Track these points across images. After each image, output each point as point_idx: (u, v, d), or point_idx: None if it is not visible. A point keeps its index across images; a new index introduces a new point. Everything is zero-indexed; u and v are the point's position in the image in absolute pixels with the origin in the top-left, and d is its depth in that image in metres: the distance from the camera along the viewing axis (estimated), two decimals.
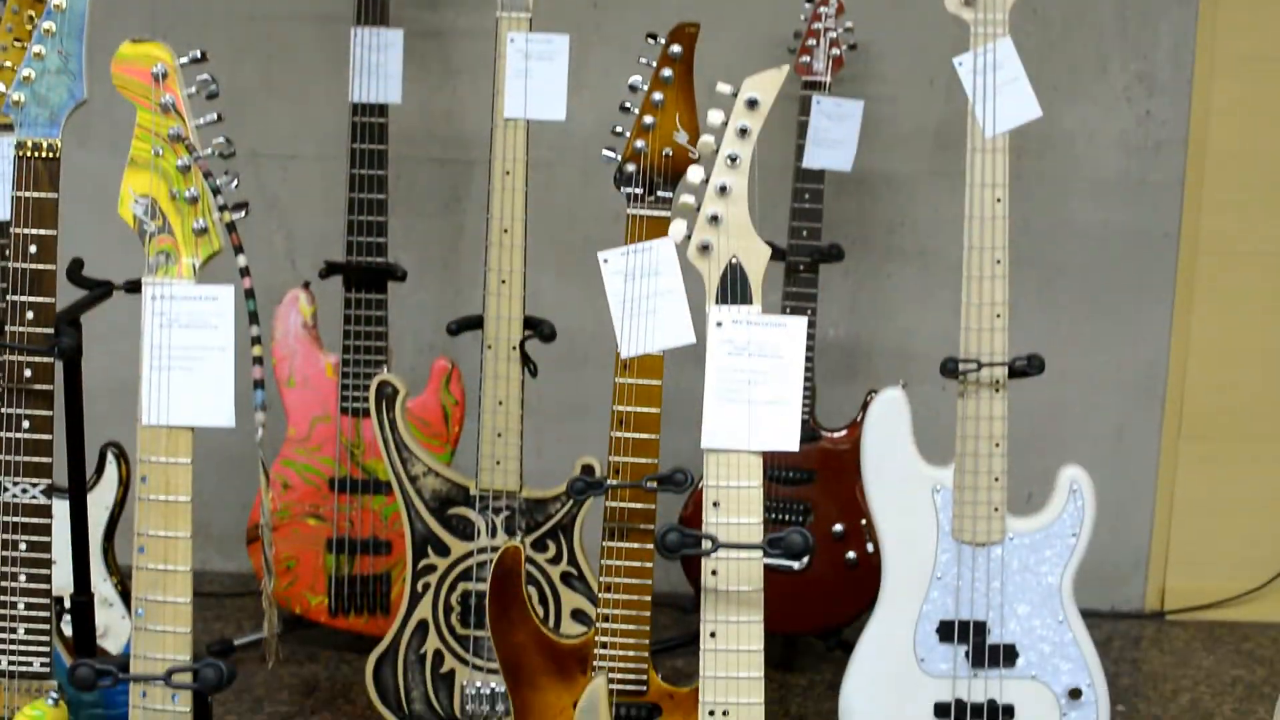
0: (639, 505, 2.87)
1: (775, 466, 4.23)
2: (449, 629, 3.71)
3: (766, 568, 3.84)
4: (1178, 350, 4.70)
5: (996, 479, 3.52)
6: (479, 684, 3.70)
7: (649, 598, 2.88)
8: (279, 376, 4.23)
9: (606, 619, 2.89)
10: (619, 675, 2.88)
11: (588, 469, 3.63)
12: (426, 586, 3.71)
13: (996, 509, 3.52)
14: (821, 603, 4.28)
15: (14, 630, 2.77)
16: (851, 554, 4.23)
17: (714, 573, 2.29)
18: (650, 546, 2.87)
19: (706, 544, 2.25)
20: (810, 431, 4.22)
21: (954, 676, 3.55)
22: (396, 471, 3.68)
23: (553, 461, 4.02)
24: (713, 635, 2.30)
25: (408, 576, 3.71)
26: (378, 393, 3.68)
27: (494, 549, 3.68)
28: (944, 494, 3.54)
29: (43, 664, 2.78)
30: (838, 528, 4.22)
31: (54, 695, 2.35)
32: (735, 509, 2.26)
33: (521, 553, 2.91)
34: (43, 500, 2.74)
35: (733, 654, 2.29)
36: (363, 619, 4.25)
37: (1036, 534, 3.55)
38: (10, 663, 2.77)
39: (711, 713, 2.31)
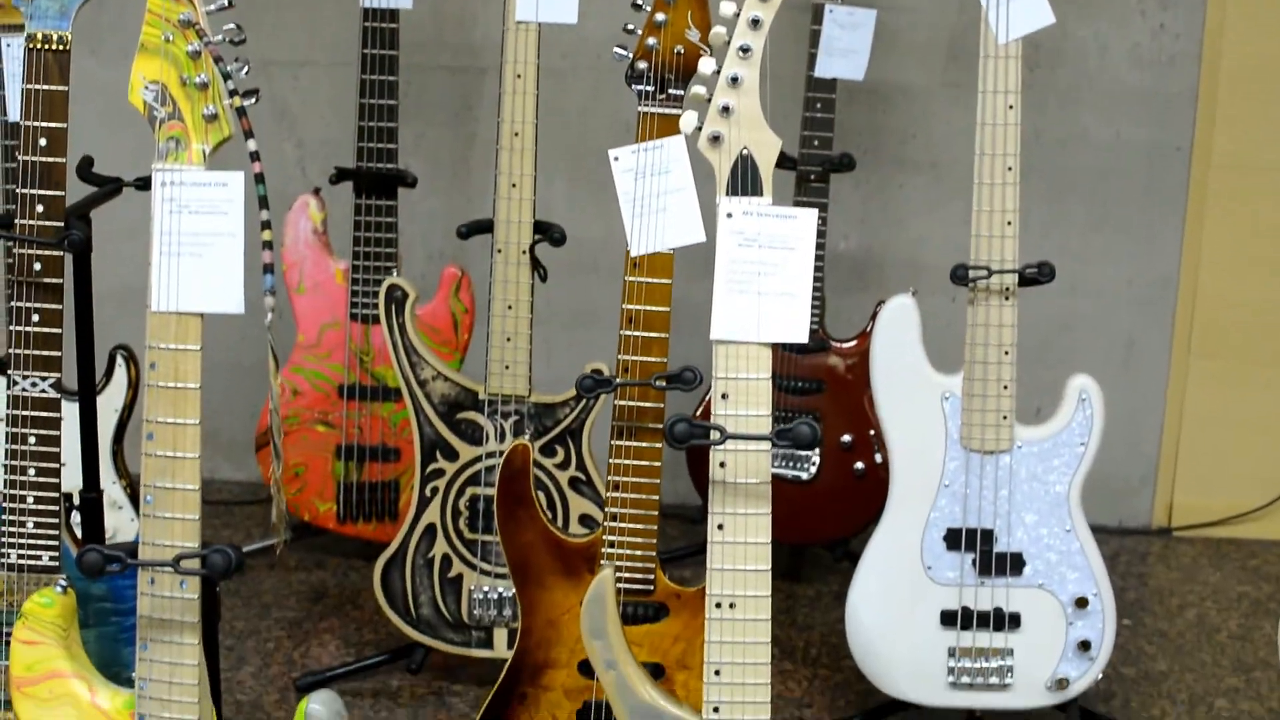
0: (648, 404, 2.87)
1: (784, 377, 4.22)
2: (457, 533, 3.71)
3: (774, 478, 3.85)
4: (1189, 265, 4.69)
5: (1005, 387, 3.51)
6: (486, 588, 3.71)
7: (657, 497, 2.89)
8: (289, 283, 4.22)
9: (614, 518, 2.89)
10: (626, 574, 2.88)
11: (596, 373, 3.63)
12: (435, 491, 3.71)
13: (1005, 417, 3.52)
14: (829, 513, 4.28)
15: (23, 524, 2.77)
16: (859, 464, 4.23)
17: (722, 465, 2.29)
18: (659, 445, 2.87)
19: (715, 434, 2.25)
20: (819, 342, 4.22)
21: (961, 584, 3.56)
22: (405, 375, 3.68)
23: (562, 369, 4.01)
24: (720, 528, 2.30)
25: (416, 481, 3.71)
26: (387, 296, 3.68)
27: (502, 454, 3.68)
28: (953, 401, 3.54)
29: (51, 558, 2.78)
30: (846, 438, 4.22)
31: (62, 583, 2.36)
32: (744, 401, 2.26)
33: (530, 451, 2.91)
34: (52, 394, 2.75)
35: (740, 546, 2.29)
36: (371, 526, 4.26)
37: (1045, 443, 3.55)
38: (19, 556, 2.78)
39: (719, 605, 2.32)
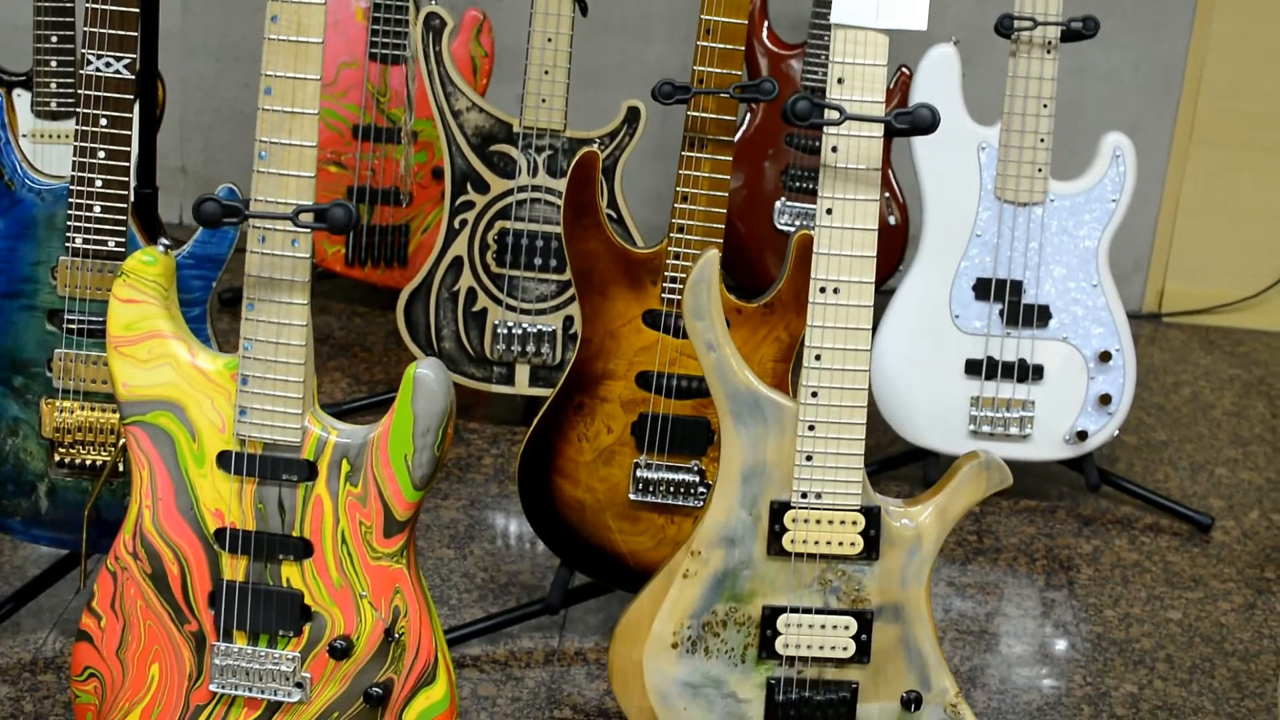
0: (720, 116, 2.86)
1: (803, 135, 4.22)
2: (484, 267, 3.71)
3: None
4: (1196, 51, 4.71)
5: (1042, 140, 3.53)
6: (511, 324, 3.71)
7: (724, 210, 2.88)
8: None
9: (681, 229, 2.89)
10: None
11: (633, 110, 3.63)
12: (464, 223, 3.70)
13: (1040, 169, 3.55)
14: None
15: (90, 208, 2.74)
16: None
17: (834, 149, 2.29)
18: (729, 158, 2.87)
19: (833, 114, 2.24)
20: None
21: (987, 334, 3.59)
22: (440, 105, 3.65)
23: (592, 116, 3.97)
24: (829, 212, 2.30)
25: (445, 212, 3.69)
26: (425, 24, 3.63)
27: (534, 188, 3.67)
28: (989, 152, 3.55)
29: (118, 243, 2.76)
30: None
31: (165, 242, 2.33)
32: (860, 87, 2.26)
33: (599, 158, 2.89)
34: (126, 75, 2.71)
35: (848, 231, 2.30)
36: (379, 270, 4.24)
37: (1077, 197, 3.58)
38: (84, 240, 2.76)
39: (823, 289, 2.32)
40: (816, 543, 2.37)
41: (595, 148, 2.91)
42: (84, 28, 2.69)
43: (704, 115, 2.86)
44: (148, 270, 2.26)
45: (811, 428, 2.34)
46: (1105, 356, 3.60)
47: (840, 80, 2.26)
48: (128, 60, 2.70)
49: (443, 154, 3.67)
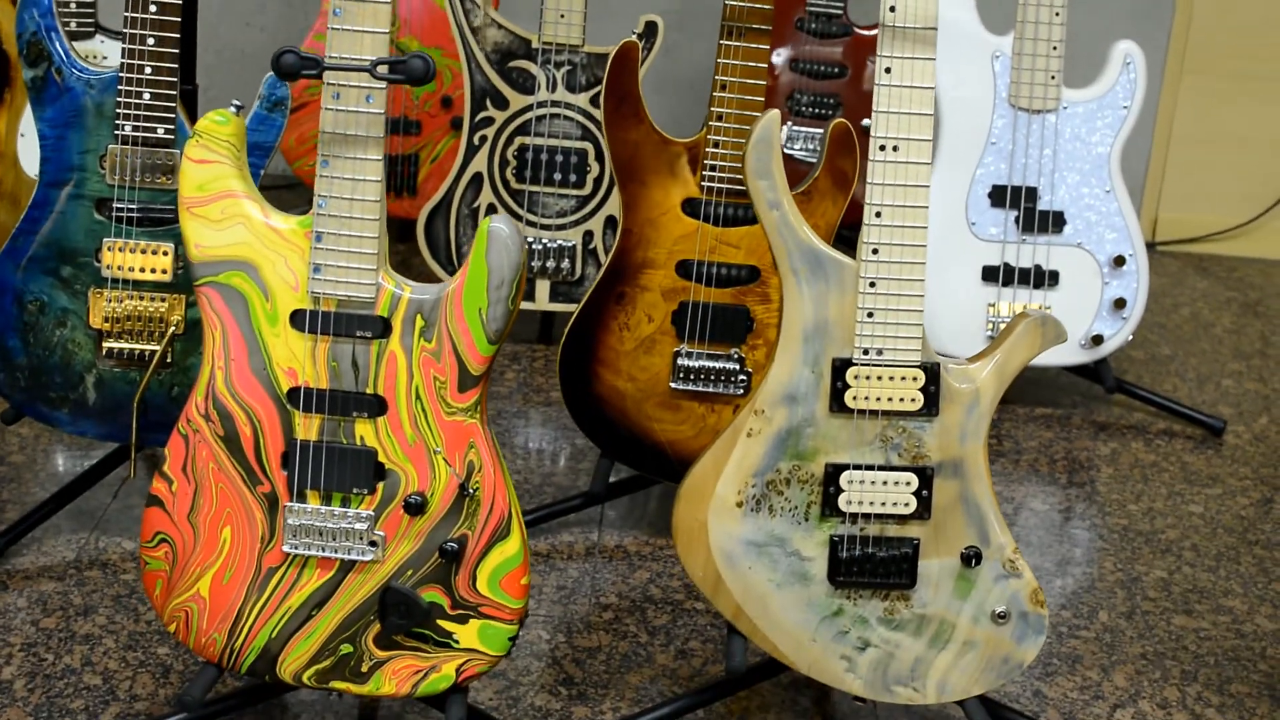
0: (757, 4, 2.89)
1: (807, 61, 4.26)
2: (504, 183, 3.73)
3: (793, 159, 3.86)
4: None
5: (1055, 47, 3.58)
6: (531, 239, 3.74)
7: (761, 98, 2.92)
8: None
9: (719, 118, 2.92)
10: (728, 175, 2.93)
11: (650, 25, 3.66)
12: (483, 139, 3.72)
13: (1053, 77, 3.60)
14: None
15: (140, 95, 2.76)
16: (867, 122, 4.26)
17: (891, 9, 2.33)
18: (766, 46, 2.90)
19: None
20: (843, 27, 4.26)
21: (1003, 241, 3.64)
22: (459, 20, 3.67)
23: (610, 30, 3.99)
24: (888, 71, 2.34)
25: (465, 127, 3.71)
26: None
27: (553, 104, 3.70)
28: (1003, 60, 3.60)
29: (167, 130, 2.78)
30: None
31: (236, 103, 2.35)
32: None
33: (639, 48, 2.92)
34: None
35: (906, 90, 2.34)
36: (389, 199, 4.25)
37: (1090, 104, 3.63)
38: (134, 128, 2.77)
39: (882, 147, 2.36)
40: (878, 399, 2.40)
41: (634, 38, 2.94)
42: None
43: (741, 4, 2.89)
44: (220, 130, 2.28)
45: (872, 284, 2.38)
46: (1119, 261, 3.65)
47: None
48: None
49: (462, 70, 3.69)
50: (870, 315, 2.38)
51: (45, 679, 2.64)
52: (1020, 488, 3.44)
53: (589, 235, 3.73)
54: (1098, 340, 3.67)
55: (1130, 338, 3.71)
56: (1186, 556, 3.22)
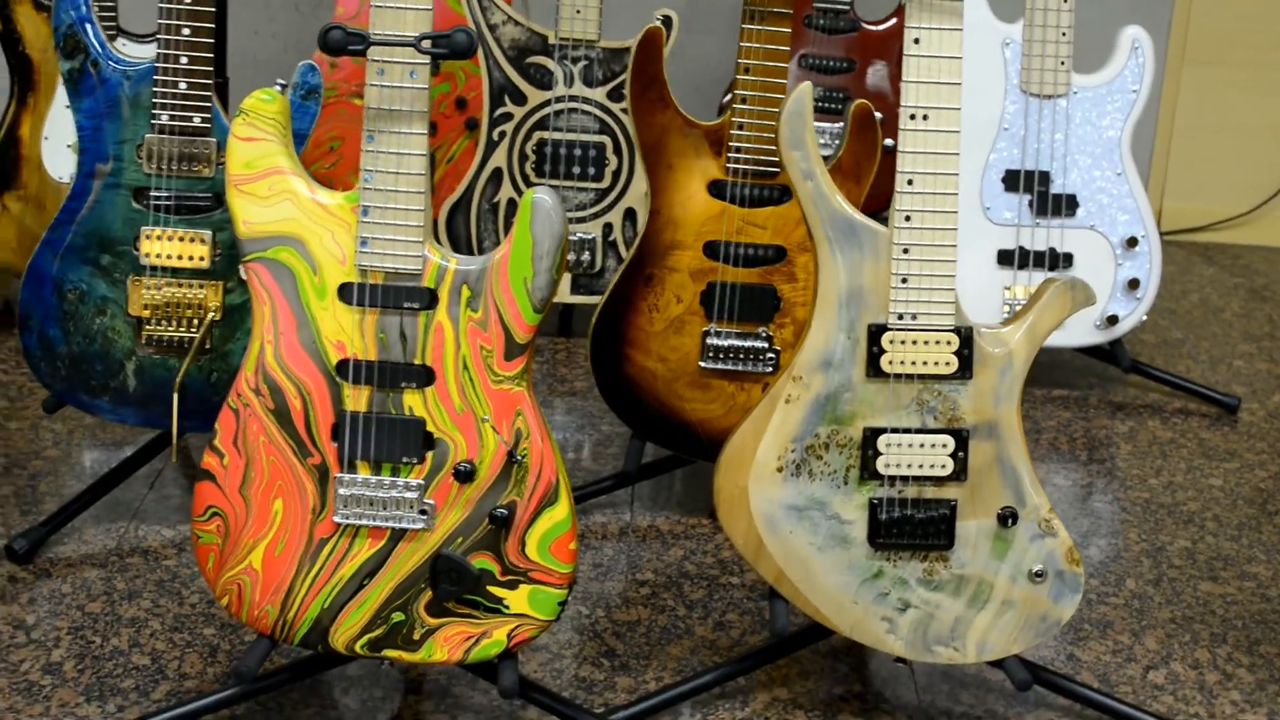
0: None
1: (815, 56, 4.31)
2: (523, 177, 3.78)
3: None
4: None
5: (1064, 33, 3.64)
6: None
7: (784, 80, 2.97)
8: None
9: (743, 100, 2.97)
10: (751, 155, 2.97)
11: (666, 19, 3.71)
12: (502, 135, 3.77)
13: (1063, 63, 3.65)
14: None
15: (176, 84, 2.81)
16: (889, 141, 4.32)
17: None
18: (787, 30, 2.95)
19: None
20: (850, 22, 4.31)
21: (1018, 225, 3.69)
22: (476, 19, 3.72)
23: (625, 25, 4.04)
24: (916, 42, 2.39)
25: (485, 123, 3.76)
26: None
27: (570, 98, 3.75)
28: (1013, 47, 3.65)
29: (203, 119, 2.83)
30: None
31: (281, 82, 2.40)
32: None
33: (663, 34, 2.98)
34: None
35: (934, 60, 2.39)
36: None
37: (1099, 88, 3.68)
38: (170, 117, 2.82)
39: (913, 116, 2.42)
40: (913, 363, 2.45)
41: (658, 24, 2.99)
42: None
43: None
44: (267, 108, 2.33)
45: (905, 250, 2.42)
46: (1132, 242, 3.70)
47: None
48: None
49: (480, 67, 3.74)
50: (905, 281, 2.43)
51: (94, 660, 2.68)
52: (1041, 465, 3.48)
53: (609, 228, 3.78)
54: (1113, 320, 3.72)
55: (1145, 318, 3.76)
56: (1209, 527, 3.27)
